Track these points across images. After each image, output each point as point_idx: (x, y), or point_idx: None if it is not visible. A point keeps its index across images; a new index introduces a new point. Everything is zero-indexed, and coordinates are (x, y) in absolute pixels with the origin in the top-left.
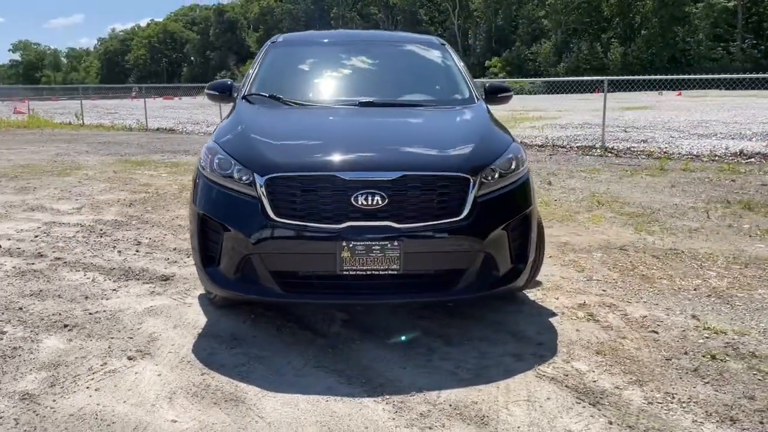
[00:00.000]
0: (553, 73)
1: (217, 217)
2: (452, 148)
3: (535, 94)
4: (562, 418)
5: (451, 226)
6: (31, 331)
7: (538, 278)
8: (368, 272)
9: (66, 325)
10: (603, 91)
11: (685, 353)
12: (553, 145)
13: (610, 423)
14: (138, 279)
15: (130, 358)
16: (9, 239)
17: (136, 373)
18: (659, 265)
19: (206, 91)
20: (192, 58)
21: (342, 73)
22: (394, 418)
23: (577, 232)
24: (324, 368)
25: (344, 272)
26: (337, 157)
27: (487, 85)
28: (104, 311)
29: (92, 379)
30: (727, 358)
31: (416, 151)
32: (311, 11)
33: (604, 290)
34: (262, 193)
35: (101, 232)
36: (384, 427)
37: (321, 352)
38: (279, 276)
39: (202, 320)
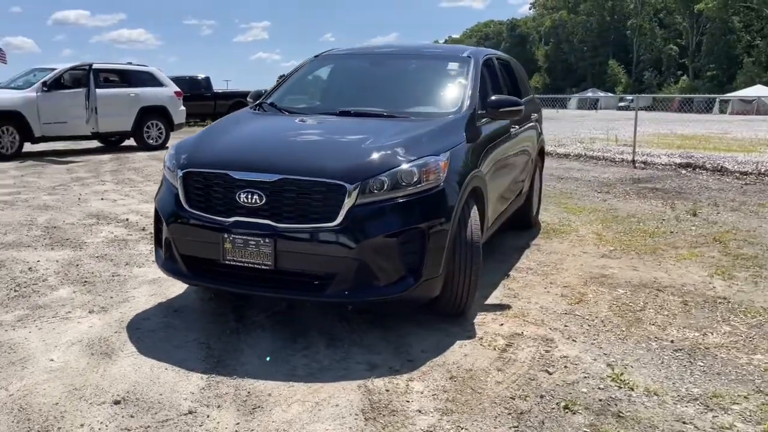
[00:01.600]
0: None
1: (157, 205)
2: (348, 156)
3: None
4: (321, 423)
5: (323, 230)
6: (61, 282)
7: (515, 302)
8: (245, 264)
9: (85, 282)
10: None
11: (541, 397)
12: (759, 173)
13: None
14: None
15: (90, 312)
16: (140, 215)
17: (78, 322)
18: (675, 312)
19: (248, 99)
20: None
21: (346, 85)
22: (193, 392)
23: (637, 267)
24: (203, 344)
25: (227, 262)
26: (233, 158)
27: (490, 99)
28: (124, 276)
29: (47, 321)
30: (581, 412)
31: (304, 156)
32: (606, 23)
33: (565, 326)
34: (180, 185)
35: None
36: (175, 396)
37: (220, 332)
38: (186, 259)
39: (176, 293)
